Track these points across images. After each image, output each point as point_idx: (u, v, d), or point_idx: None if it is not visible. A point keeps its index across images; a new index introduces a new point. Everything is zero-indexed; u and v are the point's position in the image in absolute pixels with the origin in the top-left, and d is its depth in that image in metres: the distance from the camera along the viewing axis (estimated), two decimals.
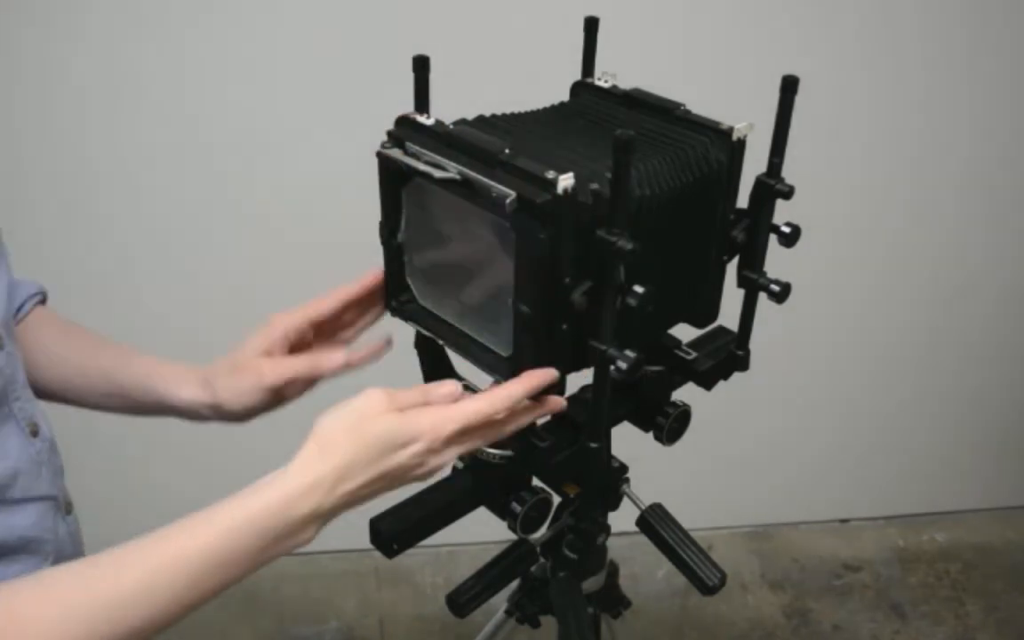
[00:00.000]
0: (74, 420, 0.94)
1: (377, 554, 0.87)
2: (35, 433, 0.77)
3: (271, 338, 0.87)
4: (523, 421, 0.79)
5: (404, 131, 0.81)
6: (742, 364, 0.97)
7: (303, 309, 0.89)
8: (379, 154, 0.81)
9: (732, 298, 0.95)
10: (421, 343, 0.91)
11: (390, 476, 0.72)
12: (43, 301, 0.93)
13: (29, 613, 0.59)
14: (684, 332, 0.97)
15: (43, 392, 0.89)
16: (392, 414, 0.72)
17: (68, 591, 0.61)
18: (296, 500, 0.67)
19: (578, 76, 0.97)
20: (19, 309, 0.89)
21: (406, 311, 0.87)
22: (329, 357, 0.88)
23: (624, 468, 1.00)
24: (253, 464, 0.74)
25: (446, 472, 0.97)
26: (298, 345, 0.90)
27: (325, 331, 0.92)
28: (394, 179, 0.82)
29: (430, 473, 0.74)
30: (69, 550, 0.81)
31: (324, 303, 0.89)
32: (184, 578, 0.63)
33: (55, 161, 1.60)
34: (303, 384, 0.88)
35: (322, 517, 0.69)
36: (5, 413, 0.74)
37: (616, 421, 0.97)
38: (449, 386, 0.76)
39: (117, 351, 0.90)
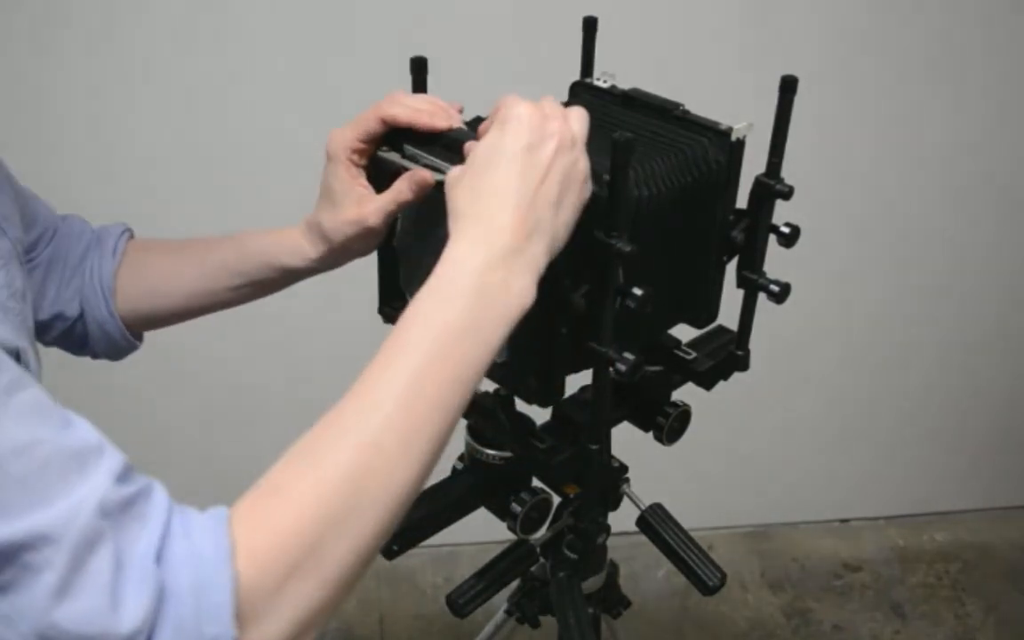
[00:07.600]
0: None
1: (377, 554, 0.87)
2: None
3: (343, 160, 0.81)
4: None
5: (402, 133, 0.81)
6: (742, 364, 0.97)
7: (352, 125, 0.81)
8: (375, 156, 0.81)
9: (732, 298, 0.95)
10: None
11: (537, 169, 0.65)
12: (132, 236, 0.93)
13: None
14: (684, 332, 0.97)
15: (172, 315, 0.89)
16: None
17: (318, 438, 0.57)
18: (461, 259, 0.63)
19: (577, 76, 0.97)
20: (114, 252, 0.89)
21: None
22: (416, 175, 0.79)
23: (624, 468, 1.00)
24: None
25: (446, 472, 0.97)
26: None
27: None
28: (391, 182, 0.82)
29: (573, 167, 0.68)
30: None
31: (368, 118, 0.81)
32: (404, 378, 0.58)
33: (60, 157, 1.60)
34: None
35: (499, 257, 0.62)
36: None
37: (616, 421, 0.97)
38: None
39: (225, 241, 0.89)
